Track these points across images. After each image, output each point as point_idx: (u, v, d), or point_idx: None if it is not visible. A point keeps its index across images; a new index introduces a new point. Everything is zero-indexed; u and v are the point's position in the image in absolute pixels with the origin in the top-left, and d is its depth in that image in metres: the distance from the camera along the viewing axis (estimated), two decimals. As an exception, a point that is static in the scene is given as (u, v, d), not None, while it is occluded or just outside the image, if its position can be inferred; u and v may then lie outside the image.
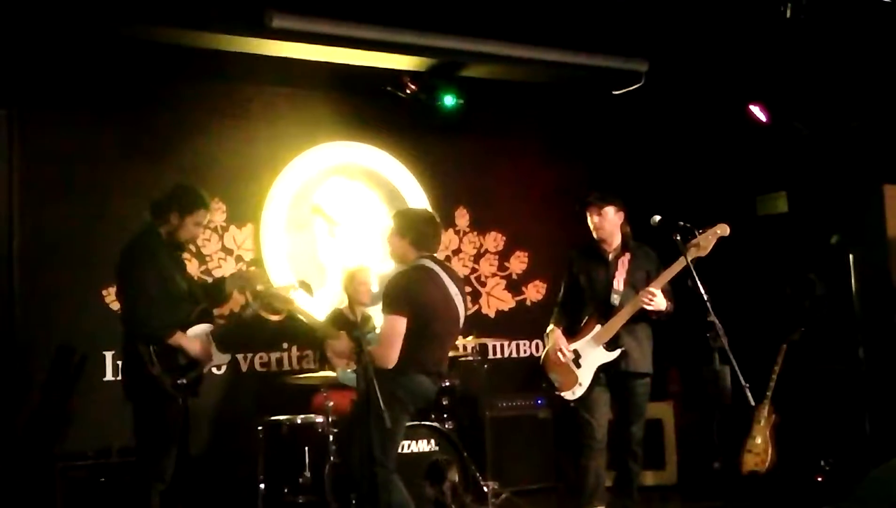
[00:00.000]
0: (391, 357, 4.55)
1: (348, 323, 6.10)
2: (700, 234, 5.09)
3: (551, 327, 5.47)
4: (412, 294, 4.67)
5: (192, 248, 5.80)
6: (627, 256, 5.41)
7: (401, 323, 4.57)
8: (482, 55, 6.51)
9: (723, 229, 5.12)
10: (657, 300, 5.18)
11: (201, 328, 5.10)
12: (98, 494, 5.72)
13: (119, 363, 6.14)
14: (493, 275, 7.78)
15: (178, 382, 4.91)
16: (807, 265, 7.05)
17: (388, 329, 4.60)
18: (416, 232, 4.82)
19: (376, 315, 6.40)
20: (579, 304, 5.44)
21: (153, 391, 4.87)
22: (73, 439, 6.05)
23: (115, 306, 6.20)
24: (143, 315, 4.87)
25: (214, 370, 5.73)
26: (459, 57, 6.53)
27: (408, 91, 6.82)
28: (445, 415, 6.05)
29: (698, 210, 5.82)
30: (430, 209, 5.23)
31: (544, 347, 5.53)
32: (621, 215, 5.45)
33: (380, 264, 7.22)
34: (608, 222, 5.41)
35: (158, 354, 4.88)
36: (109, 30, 5.77)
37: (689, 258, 4.99)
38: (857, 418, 6.52)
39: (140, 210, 6.16)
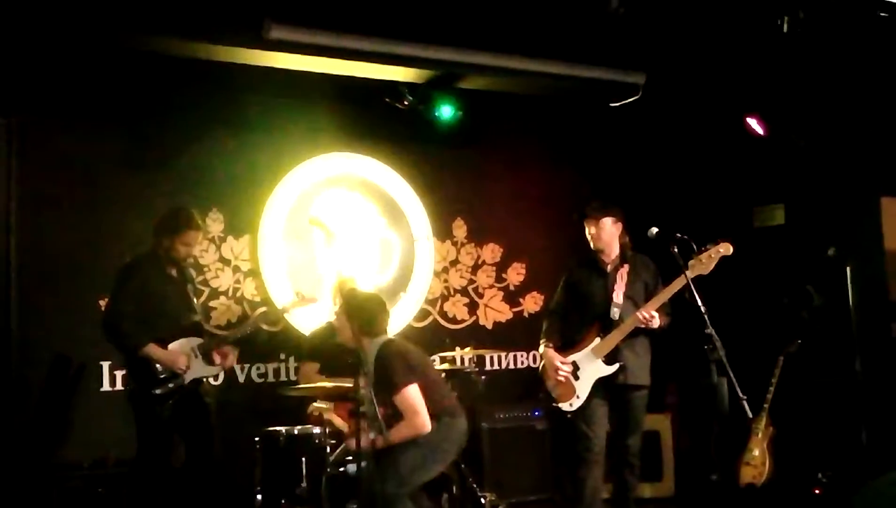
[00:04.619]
0: (426, 422, 4.76)
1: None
2: (702, 251, 5.10)
3: (543, 347, 5.47)
4: (408, 361, 4.89)
5: (191, 259, 5.88)
6: (626, 267, 5.41)
7: (416, 390, 4.78)
8: (480, 67, 6.52)
9: (726, 249, 5.12)
10: (654, 321, 5.20)
11: (186, 342, 5.43)
12: (94, 504, 5.70)
13: (116, 373, 6.23)
14: (491, 286, 7.78)
15: (154, 392, 5.25)
16: (804, 277, 7.05)
17: (409, 401, 4.76)
18: (363, 319, 4.94)
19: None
20: (577, 315, 5.45)
21: (134, 400, 5.32)
22: (70, 449, 6.03)
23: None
24: (112, 328, 5.30)
25: (211, 380, 5.83)
26: (457, 69, 6.54)
27: (406, 102, 6.83)
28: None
29: (696, 222, 5.83)
30: (376, 293, 5.43)
31: (540, 360, 5.53)
32: (619, 225, 5.46)
33: (374, 276, 7.23)
34: (605, 233, 5.42)
35: (132, 365, 5.28)
36: (109, 41, 5.77)
37: (690, 277, 5.00)
38: (855, 430, 6.52)
39: (138, 220, 6.22)
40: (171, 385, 5.27)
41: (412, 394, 4.75)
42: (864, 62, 6.29)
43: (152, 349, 5.24)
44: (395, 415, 4.83)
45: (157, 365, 5.27)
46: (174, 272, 5.52)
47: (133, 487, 5.43)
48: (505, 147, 7.78)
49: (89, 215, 6.33)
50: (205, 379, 5.62)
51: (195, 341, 5.44)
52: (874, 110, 6.65)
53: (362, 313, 4.96)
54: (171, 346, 5.33)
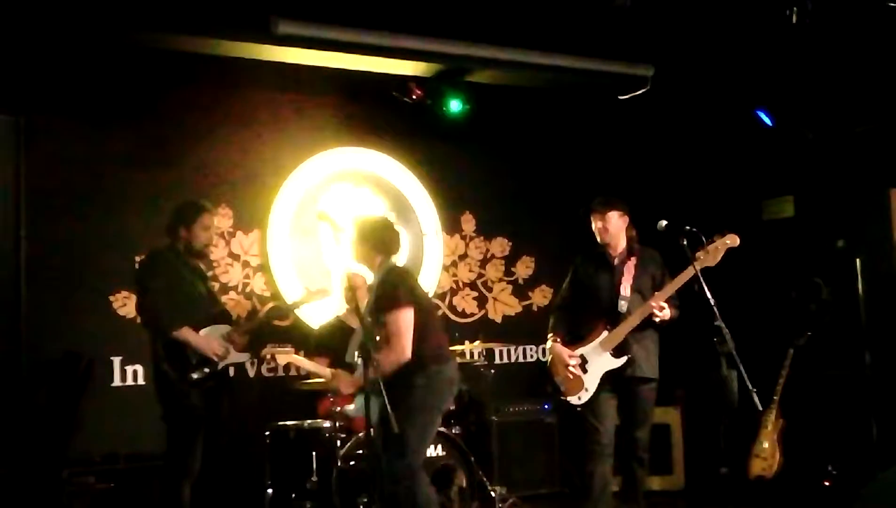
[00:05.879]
0: (407, 349, 4.67)
1: (348, 331, 6.11)
2: (709, 243, 5.09)
3: (550, 341, 5.47)
4: (411, 288, 4.86)
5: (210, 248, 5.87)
6: (633, 260, 5.40)
7: (410, 314, 4.71)
8: (488, 60, 6.52)
9: (732, 240, 5.11)
10: (665, 312, 5.19)
11: (217, 328, 5.41)
12: (106, 500, 5.73)
13: (127, 368, 6.25)
14: (500, 280, 7.79)
15: (189, 377, 5.21)
16: (813, 270, 7.04)
17: (399, 322, 4.68)
18: (377, 239, 4.93)
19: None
20: (585, 309, 5.44)
21: (168, 387, 5.21)
22: (81, 444, 6.05)
23: (123, 311, 6.29)
24: (149, 312, 5.26)
25: (231, 369, 5.86)
26: (465, 62, 6.54)
27: (414, 97, 6.83)
28: (452, 420, 6.04)
29: (705, 215, 5.82)
30: (387, 216, 5.35)
31: (548, 354, 5.53)
32: (625, 219, 5.45)
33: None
34: (612, 227, 5.41)
35: (167, 350, 5.19)
36: (116, 37, 5.79)
37: (698, 268, 4.99)
38: (864, 422, 6.51)
39: (147, 216, 6.24)
40: (206, 370, 5.24)
41: (404, 317, 4.69)
42: (873, 53, 6.26)
43: (188, 333, 5.21)
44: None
45: (190, 351, 5.22)
46: (195, 265, 5.53)
47: (163, 481, 5.42)
48: (513, 141, 7.78)
49: (98, 211, 6.35)
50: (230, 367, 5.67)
51: (224, 328, 5.44)
52: (883, 102, 6.62)
53: (375, 233, 4.94)
54: (203, 331, 5.31)
